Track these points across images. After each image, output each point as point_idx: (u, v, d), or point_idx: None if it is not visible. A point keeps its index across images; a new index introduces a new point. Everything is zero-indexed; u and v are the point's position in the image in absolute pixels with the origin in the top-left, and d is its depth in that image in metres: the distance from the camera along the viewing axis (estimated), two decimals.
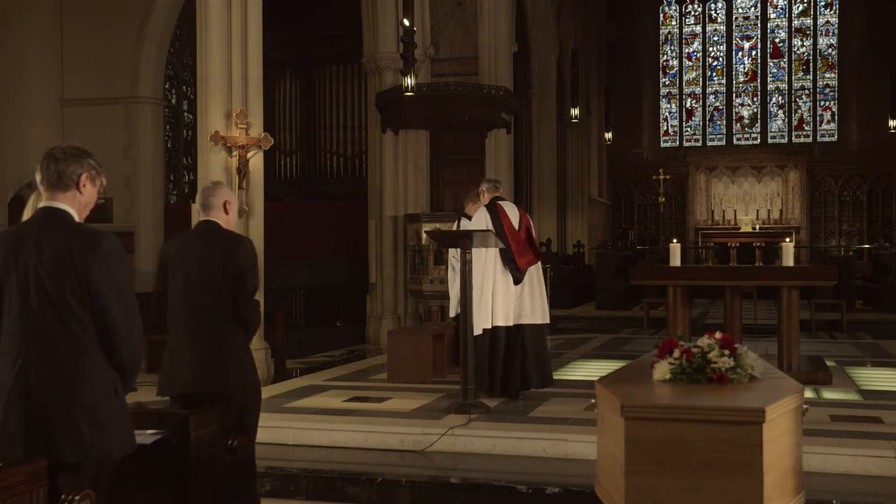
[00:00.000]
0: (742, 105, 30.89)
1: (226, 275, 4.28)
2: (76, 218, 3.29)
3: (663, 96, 31.55)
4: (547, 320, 7.69)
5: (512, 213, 7.57)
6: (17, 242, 3.21)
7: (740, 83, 30.95)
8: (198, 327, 4.33)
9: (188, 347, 4.34)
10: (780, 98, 30.55)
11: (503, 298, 7.41)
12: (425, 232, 9.55)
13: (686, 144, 31.05)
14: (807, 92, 30.36)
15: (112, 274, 3.18)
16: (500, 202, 7.64)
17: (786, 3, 30.51)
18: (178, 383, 4.37)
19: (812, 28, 30.35)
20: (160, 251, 4.80)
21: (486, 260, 7.39)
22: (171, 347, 4.47)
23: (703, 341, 3.90)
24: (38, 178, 3.27)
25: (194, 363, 4.30)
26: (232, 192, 4.67)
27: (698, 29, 31.35)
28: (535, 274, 7.61)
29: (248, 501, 4.35)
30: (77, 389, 3.10)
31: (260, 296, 9.06)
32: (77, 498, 3.03)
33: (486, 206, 7.62)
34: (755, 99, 30.77)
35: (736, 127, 30.86)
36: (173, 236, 4.79)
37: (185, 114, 18.03)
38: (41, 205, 3.28)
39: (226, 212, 4.49)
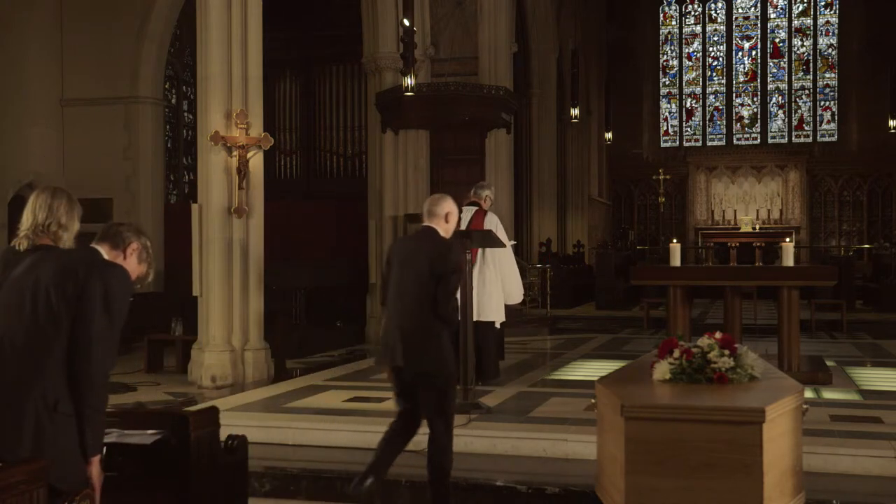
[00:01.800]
0: (742, 105, 30.90)
1: (433, 274, 4.90)
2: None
3: (663, 96, 31.56)
4: (492, 318, 8.21)
5: (465, 216, 8.10)
6: (42, 260, 3.30)
7: (740, 83, 30.96)
8: (407, 315, 4.98)
9: (398, 330, 5.00)
10: (780, 98, 30.55)
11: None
12: None
13: (686, 144, 31.06)
14: (807, 92, 30.37)
15: (110, 291, 3.21)
16: (466, 207, 8.27)
17: (786, 3, 30.51)
18: (390, 358, 5.04)
19: (812, 28, 30.35)
20: (389, 247, 5.61)
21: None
22: (385, 326, 5.22)
23: (703, 341, 3.90)
24: (98, 233, 3.46)
25: (403, 345, 4.94)
26: (455, 204, 5.34)
27: (698, 29, 31.36)
28: (487, 274, 8.02)
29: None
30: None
31: (260, 296, 9.10)
32: (77, 498, 3.03)
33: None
34: (755, 99, 30.77)
35: (736, 127, 30.86)
36: (402, 236, 5.46)
37: (185, 114, 18.03)
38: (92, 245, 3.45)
39: (446, 221, 5.18)
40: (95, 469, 3.25)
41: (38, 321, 3.18)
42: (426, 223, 5.17)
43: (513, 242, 9.30)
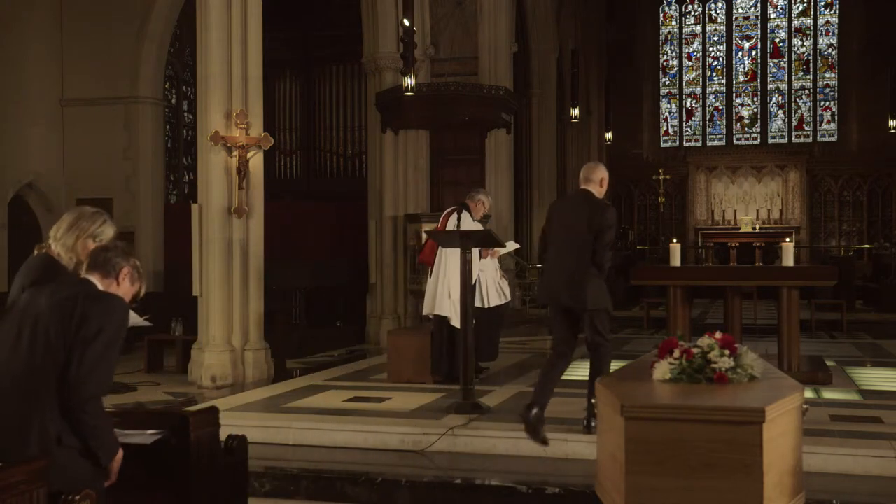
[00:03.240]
0: (742, 105, 30.89)
1: (591, 229, 5.92)
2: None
3: (663, 96, 31.54)
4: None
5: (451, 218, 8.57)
6: (39, 292, 3.42)
7: (740, 83, 30.94)
8: (567, 262, 6.03)
9: (559, 274, 6.07)
10: (780, 98, 30.54)
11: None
12: (425, 232, 9.56)
13: (686, 144, 31.04)
14: (807, 92, 30.36)
15: (106, 325, 3.29)
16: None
17: (786, 3, 30.50)
18: (550, 296, 6.17)
19: (812, 28, 30.34)
20: (549, 207, 6.54)
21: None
22: (546, 271, 6.33)
23: (703, 341, 3.90)
24: (84, 264, 3.56)
25: (563, 285, 6.02)
26: (607, 171, 6.23)
27: (698, 29, 31.35)
28: (450, 273, 8.23)
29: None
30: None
31: (260, 296, 9.10)
32: (77, 498, 3.03)
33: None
34: (755, 99, 30.76)
35: (736, 127, 30.85)
36: (558, 198, 6.30)
37: (185, 114, 18.02)
38: (83, 275, 3.53)
39: (600, 185, 6.13)
40: (116, 466, 3.39)
41: (36, 357, 3.25)
42: (583, 187, 6.13)
43: (516, 245, 9.32)
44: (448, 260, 8.29)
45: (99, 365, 3.26)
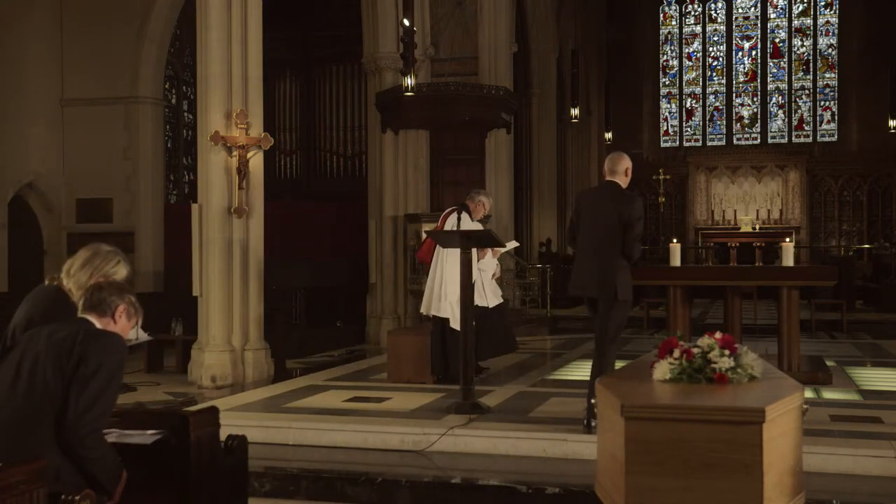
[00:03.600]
0: (742, 105, 30.88)
1: (619, 220, 6.06)
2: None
3: (663, 96, 31.54)
4: (444, 315, 8.38)
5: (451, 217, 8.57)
6: (40, 331, 3.45)
7: (740, 83, 30.94)
8: (597, 252, 6.18)
9: (589, 264, 6.22)
10: (780, 98, 30.54)
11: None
12: (425, 232, 9.57)
13: (686, 144, 31.04)
14: (807, 92, 30.35)
15: (105, 364, 3.31)
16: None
17: (786, 3, 30.49)
18: (580, 287, 6.32)
19: (812, 28, 30.34)
20: (576, 196, 6.74)
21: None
22: (578, 261, 6.38)
23: (703, 341, 3.89)
24: (80, 304, 3.57)
25: (593, 276, 6.18)
26: (630, 161, 6.38)
27: (698, 29, 31.35)
28: (447, 274, 8.24)
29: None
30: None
31: (260, 296, 9.10)
32: (77, 498, 3.03)
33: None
34: (755, 99, 30.76)
35: (736, 127, 30.84)
36: (585, 189, 6.58)
37: (185, 114, 18.02)
38: (79, 315, 3.55)
39: (626, 175, 6.27)
40: (120, 489, 3.42)
41: (35, 395, 3.27)
42: (609, 178, 6.30)
43: (516, 244, 9.34)
44: (446, 260, 8.29)
45: (97, 403, 3.27)
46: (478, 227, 8.50)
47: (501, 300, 8.91)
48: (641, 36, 31.11)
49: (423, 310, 8.74)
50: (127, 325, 3.57)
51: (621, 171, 6.28)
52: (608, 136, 29.62)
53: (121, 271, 3.95)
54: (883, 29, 27.34)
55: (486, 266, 8.57)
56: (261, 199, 9.18)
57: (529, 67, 21.87)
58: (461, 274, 7.03)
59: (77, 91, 15.26)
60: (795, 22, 30.51)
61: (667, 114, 31.51)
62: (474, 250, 7.88)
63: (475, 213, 8.55)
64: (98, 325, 3.48)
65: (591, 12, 27.85)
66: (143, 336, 4.13)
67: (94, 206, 15.45)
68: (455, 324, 8.06)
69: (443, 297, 8.28)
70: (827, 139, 29.94)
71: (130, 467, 3.49)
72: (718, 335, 3.92)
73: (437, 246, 8.34)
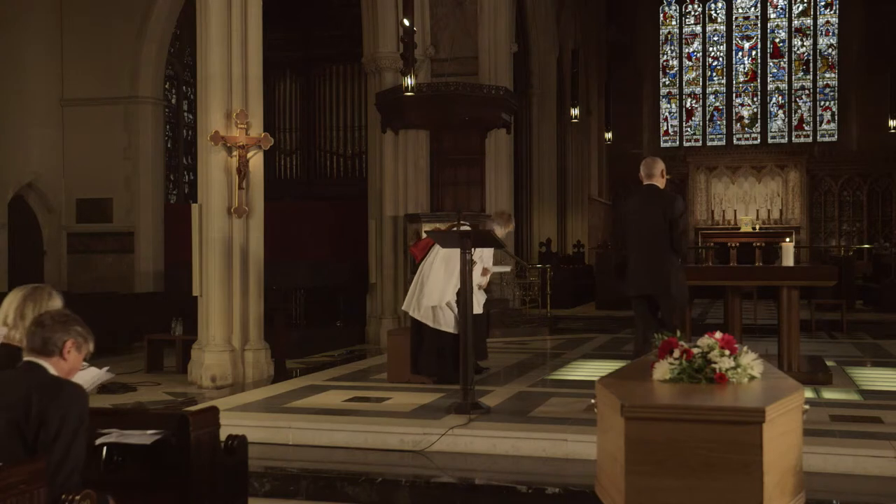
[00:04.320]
0: (742, 105, 30.89)
1: (665, 219, 6.65)
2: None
3: (663, 96, 31.55)
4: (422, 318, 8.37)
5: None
6: None
7: (740, 83, 30.95)
8: (650, 252, 6.75)
9: (642, 265, 6.80)
10: (780, 98, 30.55)
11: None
12: (425, 232, 9.55)
13: (686, 144, 31.05)
14: (807, 92, 30.36)
15: (67, 416, 3.13)
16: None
17: (786, 3, 30.51)
18: (637, 286, 6.86)
19: (812, 28, 30.35)
20: (624, 204, 7.26)
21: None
22: (632, 264, 6.89)
23: (703, 341, 3.89)
24: (24, 343, 3.31)
25: (647, 275, 6.77)
26: (663, 163, 6.97)
27: (698, 29, 31.35)
28: (430, 282, 8.23)
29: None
30: None
31: (260, 295, 9.10)
32: (77, 498, 3.03)
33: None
34: (755, 99, 30.77)
35: (736, 127, 30.86)
36: (627, 197, 7.34)
37: (185, 114, 18.03)
38: (25, 358, 3.29)
39: (662, 177, 6.84)
40: None
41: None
42: (647, 182, 6.84)
43: (507, 269, 9.19)
44: (432, 265, 8.29)
45: (66, 461, 3.12)
46: (489, 254, 8.49)
47: (481, 310, 8.71)
48: (641, 36, 31.12)
49: (404, 307, 8.76)
50: (78, 358, 3.33)
51: (657, 173, 6.83)
52: (608, 136, 29.62)
53: (55, 303, 3.76)
54: (883, 29, 27.35)
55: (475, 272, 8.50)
56: (261, 199, 9.18)
57: (529, 67, 21.88)
58: (461, 272, 7.03)
59: (77, 91, 15.27)
60: (795, 22, 30.51)
61: (667, 114, 31.52)
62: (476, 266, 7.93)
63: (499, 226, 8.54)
64: (48, 367, 3.24)
65: (591, 12, 27.86)
66: (102, 376, 4.03)
67: (94, 206, 15.46)
68: (431, 323, 8.24)
69: (421, 300, 8.30)
70: (827, 139, 29.95)
71: (130, 467, 3.49)
72: (718, 335, 3.91)
73: (431, 251, 8.33)
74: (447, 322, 8.23)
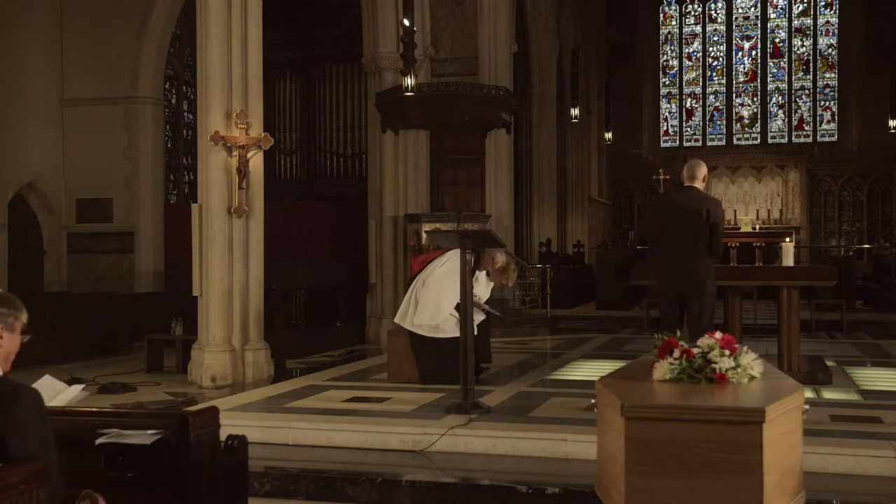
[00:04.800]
0: (742, 105, 30.89)
1: (707, 220, 6.81)
2: None
3: (663, 96, 31.55)
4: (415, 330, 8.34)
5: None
6: None
7: (740, 83, 30.95)
8: (686, 252, 6.86)
9: (675, 264, 6.90)
10: (780, 98, 30.55)
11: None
12: (425, 232, 9.56)
13: (686, 144, 31.04)
14: (807, 92, 30.36)
15: (24, 422, 2.98)
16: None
17: (786, 3, 30.51)
18: (671, 285, 6.96)
19: (812, 28, 30.35)
20: (654, 205, 6.96)
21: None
22: (665, 262, 7.01)
23: (703, 341, 3.89)
24: None
25: (680, 274, 6.89)
26: (706, 169, 7.13)
27: (698, 29, 31.36)
28: (422, 301, 8.23)
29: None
30: None
31: (260, 296, 9.10)
32: (77, 498, 3.02)
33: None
34: (755, 99, 30.77)
35: (736, 127, 30.86)
36: (665, 195, 7.47)
37: (185, 114, 18.03)
38: None
39: (703, 181, 7.03)
40: None
41: None
42: (688, 184, 6.99)
43: (492, 312, 9.03)
44: (426, 283, 8.27)
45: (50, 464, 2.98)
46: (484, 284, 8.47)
47: (483, 316, 8.66)
48: (641, 36, 31.12)
49: (396, 319, 8.65)
50: (13, 339, 3.13)
51: (700, 177, 6.99)
52: (608, 136, 29.62)
53: None
54: (883, 29, 27.35)
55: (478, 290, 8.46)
56: (261, 199, 9.18)
57: (529, 67, 21.88)
58: (461, 273, 7.03)
59: (77, 91, 15.27)
60: (795, 22, 30.51)
61: (667, 114, 31.52)
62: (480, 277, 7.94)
63: (483, 265, 8.41)
64: None
65: (591, 12, 27.86)
66: (78, 396, 3.96)
67: (94, 206, 15.46)
68: (433, 334, 8.24)
69: (416, 317, 8.29)
70: (827, 139, 29.95)
71: (130, 467, 3.49)
72: (718, 335, 3.91)
73: (426, 268, 8.30)
74: (449, 329, 8.18)
